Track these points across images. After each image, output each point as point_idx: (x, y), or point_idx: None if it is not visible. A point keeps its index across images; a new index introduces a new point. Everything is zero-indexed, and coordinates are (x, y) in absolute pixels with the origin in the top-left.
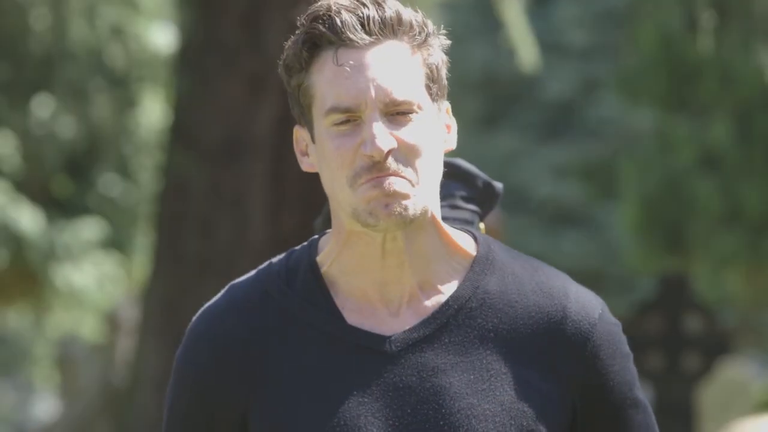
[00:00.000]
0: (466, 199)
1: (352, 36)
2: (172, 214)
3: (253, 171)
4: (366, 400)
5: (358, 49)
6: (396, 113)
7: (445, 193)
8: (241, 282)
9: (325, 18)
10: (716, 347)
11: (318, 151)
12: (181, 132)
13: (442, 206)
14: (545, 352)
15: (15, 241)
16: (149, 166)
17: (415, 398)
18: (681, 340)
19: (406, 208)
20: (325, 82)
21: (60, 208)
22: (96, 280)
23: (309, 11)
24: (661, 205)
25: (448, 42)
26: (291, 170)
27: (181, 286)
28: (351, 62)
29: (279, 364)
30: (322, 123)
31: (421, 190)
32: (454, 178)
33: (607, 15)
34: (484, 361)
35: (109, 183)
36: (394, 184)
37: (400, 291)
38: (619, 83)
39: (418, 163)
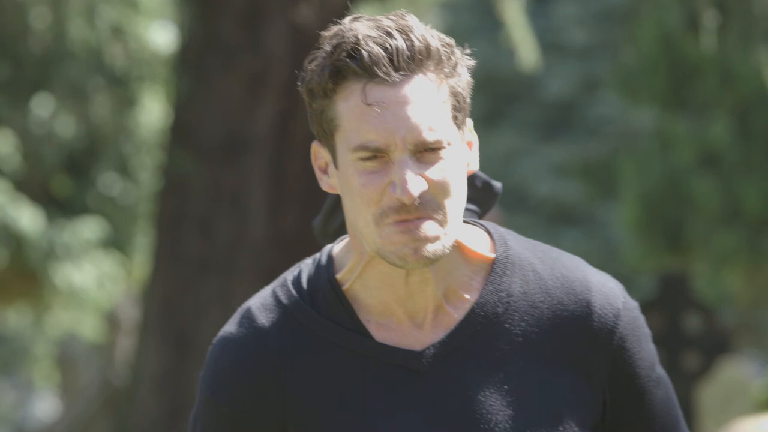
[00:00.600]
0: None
1: (380, 73)
2: (172, 214)
3: (252, 170)
4: (403, 419)
5: (387, 86)
6: (424, 150)
7: None
8: (258, 304)
9: (353, 51)
10: (716, 346)
11: (341, 179)
12: (180, 131)
13: None
14: (573, 349)
15: (14, 240)
16: (149, 165)
17: (451, 414)
18: (681, 338)
19: (435, 252)
20: (352, 117)
21: (60, 207)
22: (96, 280)
23: (334, 37)
24: (661, 204)
25: (473, 62)
26: (290, 169)
27: (181, 286)
28: (380, 101)
29: (310, 386)
30: (347, 155)
31: (449, 227)
32: None
33: (607, 14)
34: (516, 368)
35: (108, 182)
36: (424, 228)
37: (425, 303)
38: (619, 82)
39: (447, 201)
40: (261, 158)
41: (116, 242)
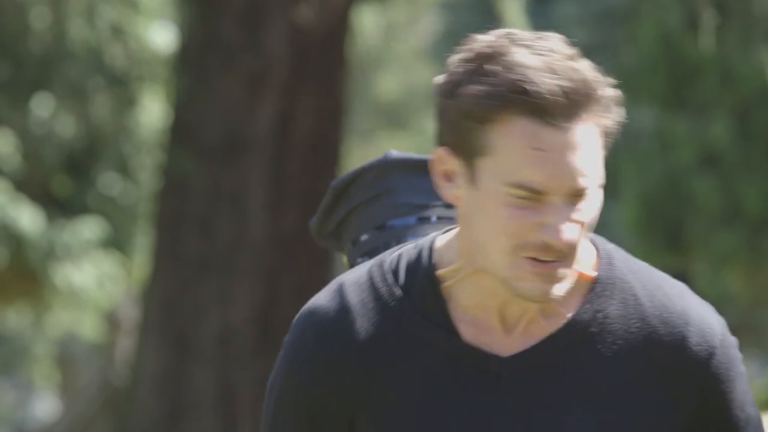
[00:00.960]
0: None
1: (552, 119)
2: (172, 213)
3: (252, 170)
4: (481, 422)
5: (555, 130)
6: (576, 194)
7: None
8: (353, 281)
9: (526, 90)
10: None
11: (477, 199)
12: (180, 131)
13: (437, 206)
14: (662, 379)
15: (15, 240)
16: (149, 165)
17: (528, 424)
18: None
19: (562, 292)
20: (514, 153)
21: (60, 207)
22: (96, 280)
23: (499, 62)
24: (661, 204)
25: (622, 100)
26: (290, 169)
27: (181, 286)
28: (548, 146)
29: (391, 376)
30: (497, 184)
31: (575, 264)
32: None
33: (607, 14)
34: (600, 389)
35: (108, 182)
36: (559, 272)
37: (522, 312)
38: (619, 82)
39: (583, 239)
40: (261, 158)
41: (116, 242)
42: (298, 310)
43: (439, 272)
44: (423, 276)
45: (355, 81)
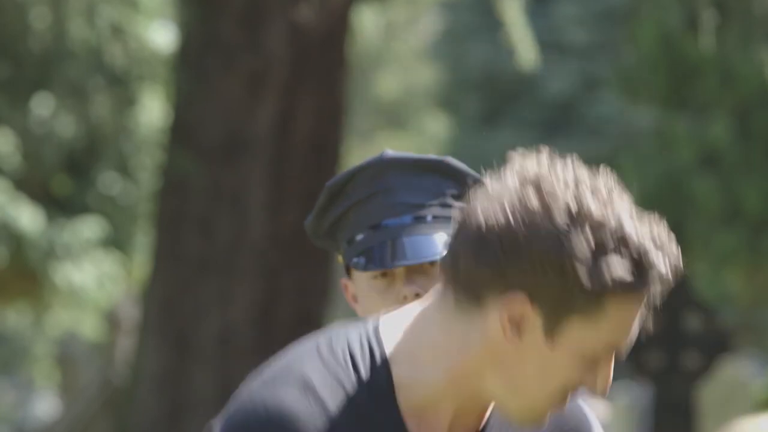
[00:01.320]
0: (457, 198)
1: (660, 293)
2: (172, 213)
3: (252, 170)
4: None
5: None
6: None
7: (437, 192)
8: (318, 378)
9: (665, 282)
10: (716, 346)
11: (548, 351)
12: (180, 131)
13: (433, 205)
14: None
15: (15, 239)
16: (149, 164)
17: None
18: (681, 338)
19: None
20: (621, 320)
21: (60, 206)
22: (96, 279)
23: (638, 251)
24: (661, 204)
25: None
26: (290, 169)
27: (181, 285)
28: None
29: None
30: (588, 343)
31: None
32: (444, 177)
33: (607, 13)
34: None
35: (108, 182)
36: None
37: (476, 412)
38: (619, 81)
39: None
40: (261, 158)
41: (116, 242)
42: (298, 310)
43: (397, 378)
44: (376, 376)
45: (355, 81)
